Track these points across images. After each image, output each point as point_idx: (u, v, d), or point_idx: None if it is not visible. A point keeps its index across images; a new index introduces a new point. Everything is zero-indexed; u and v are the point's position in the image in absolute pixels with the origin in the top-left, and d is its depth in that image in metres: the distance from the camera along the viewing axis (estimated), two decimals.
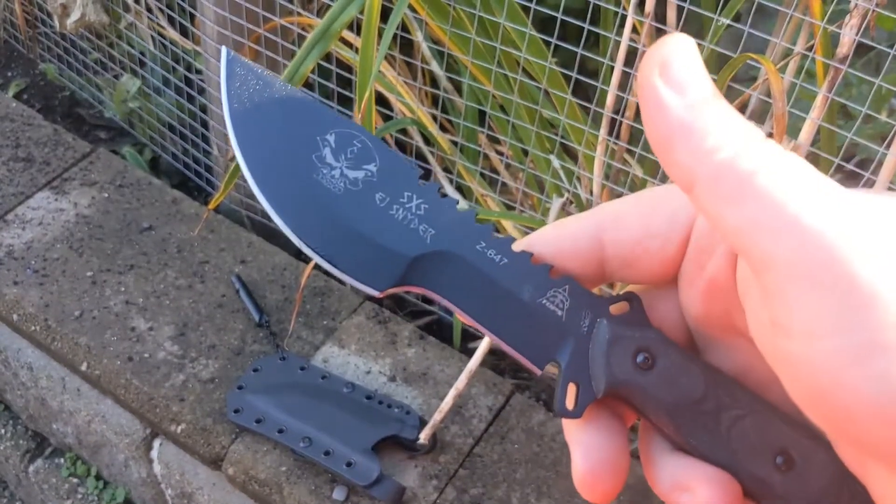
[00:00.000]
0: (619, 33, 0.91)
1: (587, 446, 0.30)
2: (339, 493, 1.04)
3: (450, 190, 1.25)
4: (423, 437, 1.06)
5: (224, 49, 0.34)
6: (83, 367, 1.19)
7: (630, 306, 0.31)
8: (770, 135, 0.85)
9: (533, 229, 1.25)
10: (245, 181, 0.33)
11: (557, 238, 0.31)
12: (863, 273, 0.22)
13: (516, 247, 0.31)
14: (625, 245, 0.30)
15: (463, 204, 0.28)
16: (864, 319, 0.22)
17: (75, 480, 1.42)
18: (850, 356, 0.22)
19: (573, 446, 0.31)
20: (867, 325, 0.22)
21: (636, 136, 1.06)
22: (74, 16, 1.51)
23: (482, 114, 1.16)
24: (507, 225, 1.18)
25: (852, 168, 0.97)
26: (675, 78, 0.26)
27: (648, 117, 0.26)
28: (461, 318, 0.32)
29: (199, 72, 1.44)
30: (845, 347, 0.22)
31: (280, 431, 1.07)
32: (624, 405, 0.31)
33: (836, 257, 0.23)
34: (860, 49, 1.11)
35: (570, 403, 0.30)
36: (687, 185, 0.26)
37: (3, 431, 1.49)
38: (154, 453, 1.24)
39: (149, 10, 1.51)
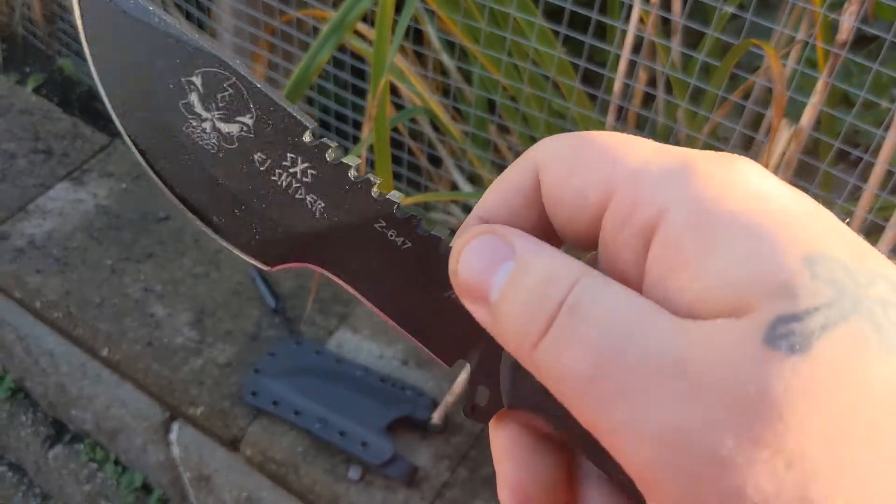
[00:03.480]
0: (626, 23, 0.94)
1: (508, 463, 0.26)
2: (353, 473, 1.07)
3: (460, 179, 1.27)
4: (436, 417, 1.09)
5: None
6: (104, 353, 1.22)
7: None
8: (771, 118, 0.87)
9: None
10: None
11: (503, 198, 0.25)
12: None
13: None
14: (552, 186, 0.24)
15: (351, 164, 0.27)
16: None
17: (94, 465, 1.45)
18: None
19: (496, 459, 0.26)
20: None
21: (643, 122, 1.08)
22: None
23: (492, 103, 1.18)
24: None
25: (858, 154, 1.00)
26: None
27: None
28: (365, 304, 0.28)
29: None
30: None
31: (296, 413, 1.10)
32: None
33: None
34: (862, 41, 1.14)
35: (481, 402, 0.27)
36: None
37: (23, 418, 1.52)
38: (172, 436, 1.27)
39: (165, 3, 1.54)
